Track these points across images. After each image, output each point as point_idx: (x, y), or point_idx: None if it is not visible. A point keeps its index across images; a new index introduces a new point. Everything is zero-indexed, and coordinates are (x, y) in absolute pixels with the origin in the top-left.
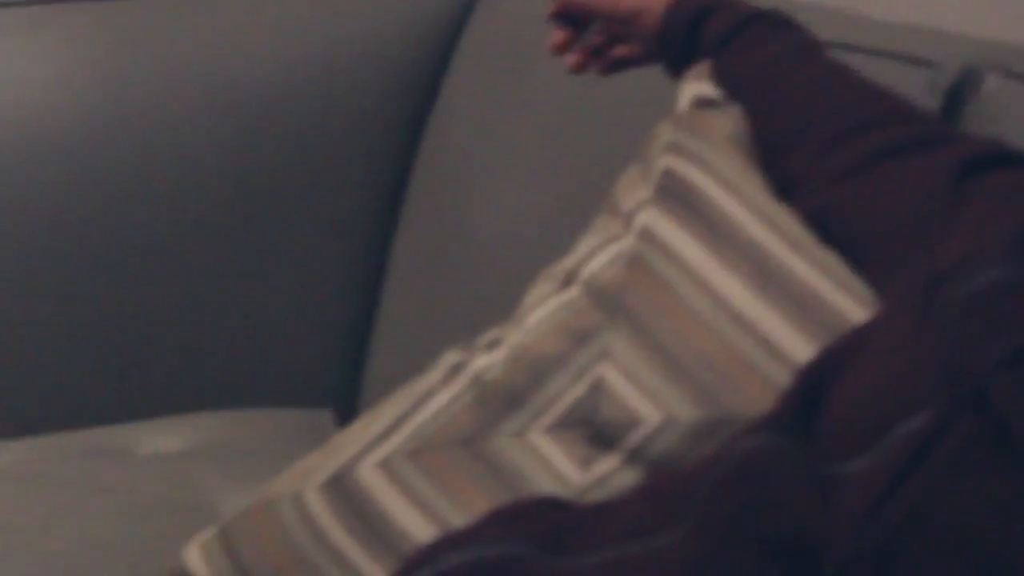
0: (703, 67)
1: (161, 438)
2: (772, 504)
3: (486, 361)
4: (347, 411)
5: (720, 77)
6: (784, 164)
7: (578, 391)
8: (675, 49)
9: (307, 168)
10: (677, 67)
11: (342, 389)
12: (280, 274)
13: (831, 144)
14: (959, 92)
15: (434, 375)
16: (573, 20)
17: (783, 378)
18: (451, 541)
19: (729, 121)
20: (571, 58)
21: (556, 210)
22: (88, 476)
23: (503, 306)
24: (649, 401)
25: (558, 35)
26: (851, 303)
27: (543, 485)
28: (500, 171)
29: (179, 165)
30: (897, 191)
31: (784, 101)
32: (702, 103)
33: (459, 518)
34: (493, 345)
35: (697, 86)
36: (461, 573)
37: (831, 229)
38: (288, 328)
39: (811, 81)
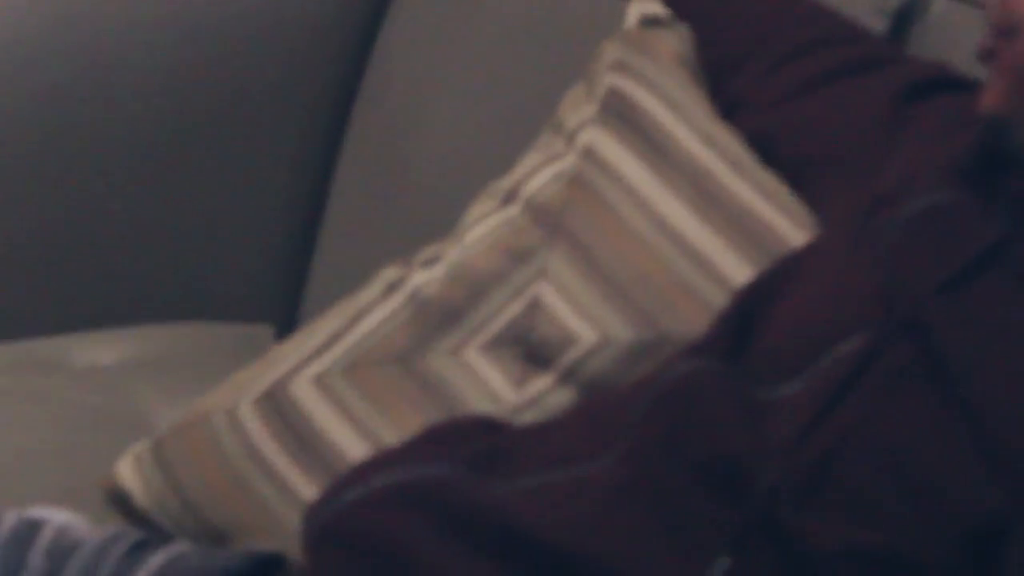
0: None
1: (98, 350)
2: (703, 428)
3: (424, 278)
4: (287, 327)
5: None
6: (730, 84)
7: (515, 309)
8: None
9: (252, 86)
10: None
11: (283, 305)
12: (223, 189)
13: (776, 64)
14: (907, 14)
15: (371, 291)
16: None
17: (720, 300)
18: (382, 461)
19: (676, 40)
20: None
21: (499, 129)
22: (21, 386)
23: (444, 225)
24: (585, 321)
25: None
26: (790, 226)
27: (477, 404)
28: (443, 90)
29: (125, 84)
30: (840, 113)
31: (731, 21)
32: (649, 21)
33: (392, 435)
34: (431, 262)
35: (644, 4)
36: (391, 494)
37: (774, 150)
38: (230, 243)
39: (758, 2)
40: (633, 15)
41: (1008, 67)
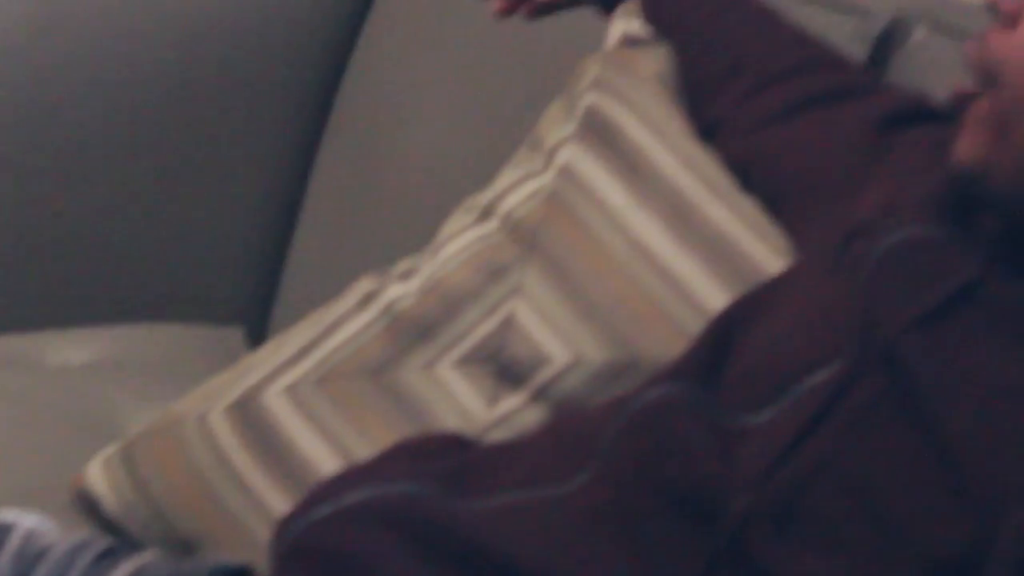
0: (633, 3)
1: (70, 349)
2: (675, 454)
3: (399, 291)
4: (259, 332)
5: (650, 15)
6: (710, 106)
7: (489, 326)
8: None
9: (229, 87)
10: (608, 5)
11: (255, 309)
12: (199, 191)
13: (757, 88)
14: (887, 42)
15: (346, 302)
16: None
17: (694, 324)
18: (353, 476)
19: (656, 60)
20: (497, 3)
21: (477, 143)
22: None
23: (419, 234)
24: (559, 340)
25: None
26: (767, 252)
27: (448, 420)
28: (423, 101)
29: (103, 78)
30: (819, 140)
31: (713, 43)
32: (630, 41)
33: (363, 449)
34: (407, 275)
35: (626, 23)
36: (361, 511)
37: (753, 174)
38: (204, 245)
39: (740, 25)
40: (615, 34)
41: (984, 117)
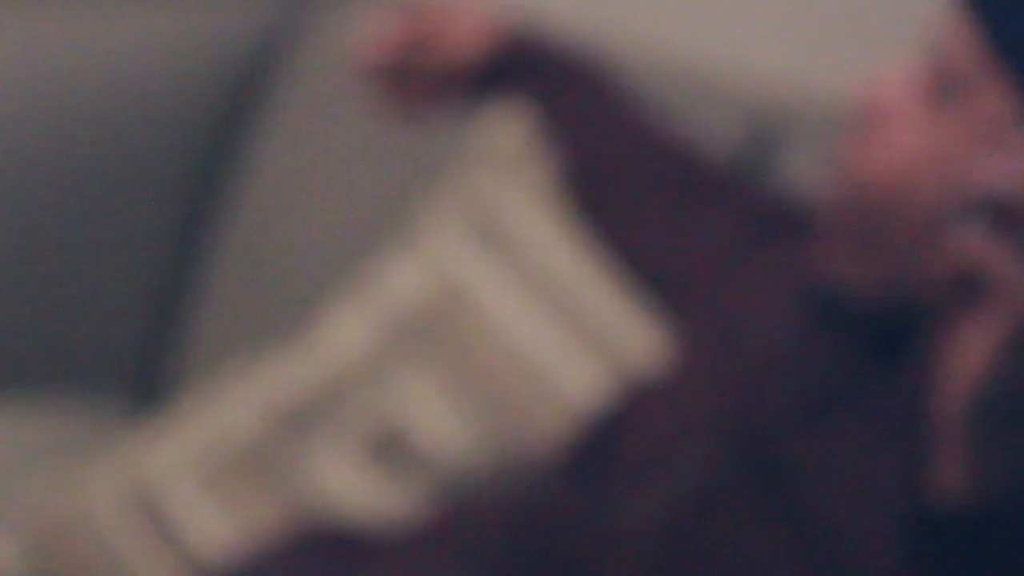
0: (522, 110)
1: None
2: (559, 560)
3: (285, 376)
4: (143, 400)
5: (544, 121)
6: (597, 198)
7: (372, 411)
8: (496, 86)
9: (119, 155)
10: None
11: (136, 379)
12: (86, 260)
13: (647, 186)
14: (758, 141)
15: (232, 386)
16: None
17: (572, 410)
18: (247, 567)
19: (539, 162)
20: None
21: (363, 228)
22: None
23: (305, 313)
24: (441, 423)
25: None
26: (643, 339)
27: (334, 498)
28: (313, 183)
29: None
30: (699, 238)
31: (609, 148)
32: (518, 143)
33: (247, 529)
34: (293, 361)
35: (511, 128)
36: None
37: (635, 265)
38: (88, 313)
39: (634, 137)
40: (500, 136)
41: (848, 230)
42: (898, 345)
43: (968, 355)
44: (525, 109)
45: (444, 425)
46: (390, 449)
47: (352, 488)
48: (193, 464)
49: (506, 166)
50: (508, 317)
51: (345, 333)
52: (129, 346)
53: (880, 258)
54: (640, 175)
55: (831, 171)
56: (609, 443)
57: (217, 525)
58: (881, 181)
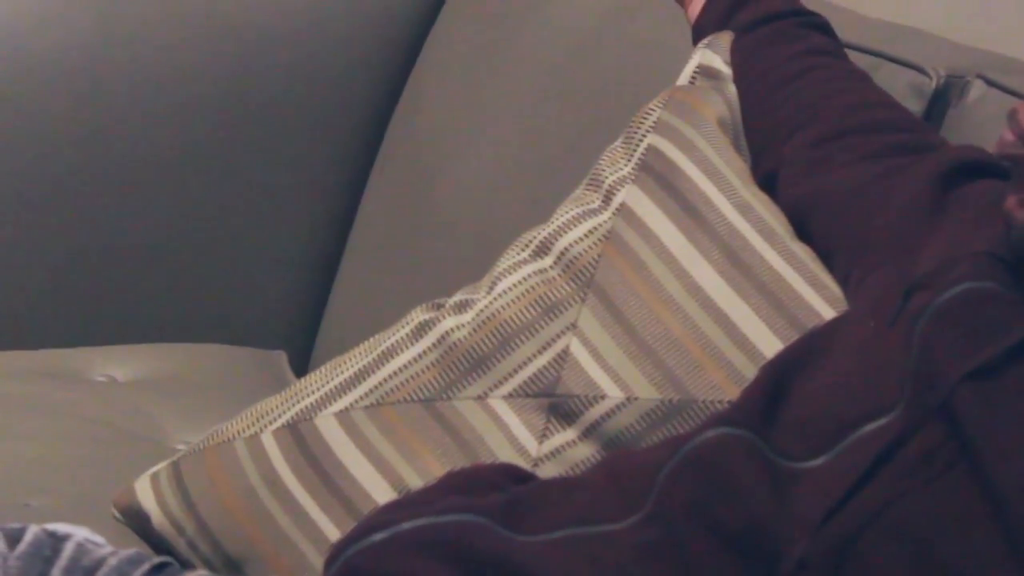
0: (722, 37)
1: (116, 365)
2: (730, 495)
3: (454, 322)
4: (302, 357)
5: (737, 57)
6: (778, 150)
7: (542, 361)
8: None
9: (281, 111)
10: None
11: (299, 334)
12: (247, 217)
13: (830, 138)
14: (943, 98)
15: (401, 331)
16: None
17: (748, 368)
18: (409, 504)
19: (719, 103)
20: None
21: (534, 177)
22: (39, 396)
23: (467, 265)
24: (611, 378)
25: None
26: (820, 299)
27: (499, 452)
28: (480, 133)
29: (159, 101)
30: (883, 193)
31: (795, 94)
32: (704, 73)
33: (413, 476)
34: (462, 307)
35: (706, 54)
36: (417, 538)
37: (811, 221)
38: (251, 268)
39: (826, 81)
40: (691, 64)
41: None
42: None
43: None
44: (735, 42)
45: (615, 372)
46: (559, 397)
47: (520, 434)
48: (360, 406)
49: (684, 110)
50: (682, 266)
51: (516, 278)
52: (291, 300)
53: None
54: (840, 125)
55: (1011, 121)
56: (785, 396)
57: (384, 468)
58: None
